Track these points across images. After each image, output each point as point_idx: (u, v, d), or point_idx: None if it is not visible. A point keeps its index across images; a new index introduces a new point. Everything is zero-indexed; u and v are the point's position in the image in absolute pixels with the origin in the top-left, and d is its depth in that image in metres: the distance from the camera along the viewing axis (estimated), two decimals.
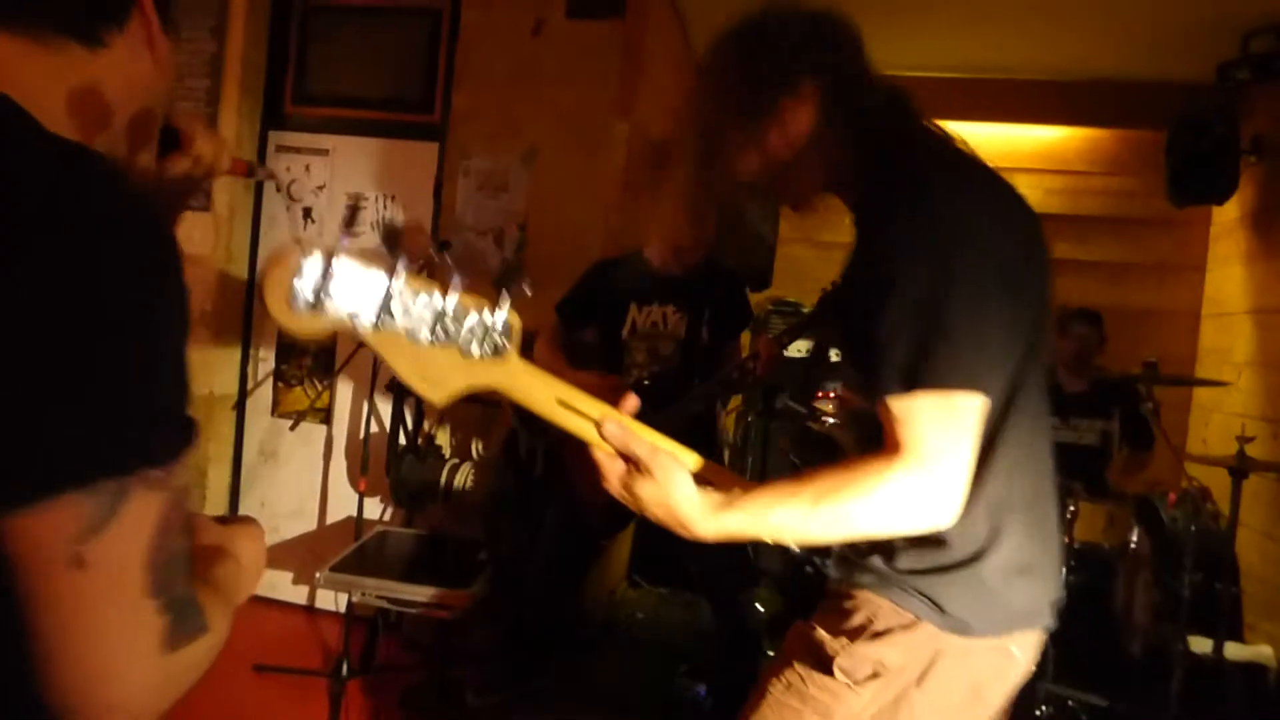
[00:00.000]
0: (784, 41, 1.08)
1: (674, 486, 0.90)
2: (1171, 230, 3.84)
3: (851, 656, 1.03)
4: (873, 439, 0.95)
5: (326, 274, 0.70)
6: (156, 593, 0.59)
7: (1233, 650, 2.75)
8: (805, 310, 3.88)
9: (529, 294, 0.81)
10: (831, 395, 3.71)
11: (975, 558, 1.01)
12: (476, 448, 3.09)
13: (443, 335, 0.77)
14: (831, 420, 3.29)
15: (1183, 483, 3.18)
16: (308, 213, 3.44)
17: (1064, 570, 2.80)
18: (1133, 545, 2.93)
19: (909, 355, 0.90)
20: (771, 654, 2.25)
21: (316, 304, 0.70)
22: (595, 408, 0.91)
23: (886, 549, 1.04)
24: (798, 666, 1.08)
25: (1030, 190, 3.94)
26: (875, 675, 1.03)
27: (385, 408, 3.17)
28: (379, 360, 0.87)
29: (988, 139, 4.14)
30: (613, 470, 0.94)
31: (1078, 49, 3.59)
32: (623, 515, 2.44)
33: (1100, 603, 3.01)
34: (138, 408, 0.59)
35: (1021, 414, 1.02)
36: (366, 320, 0.72)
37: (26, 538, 0.54)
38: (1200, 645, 2.70)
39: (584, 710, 2.78)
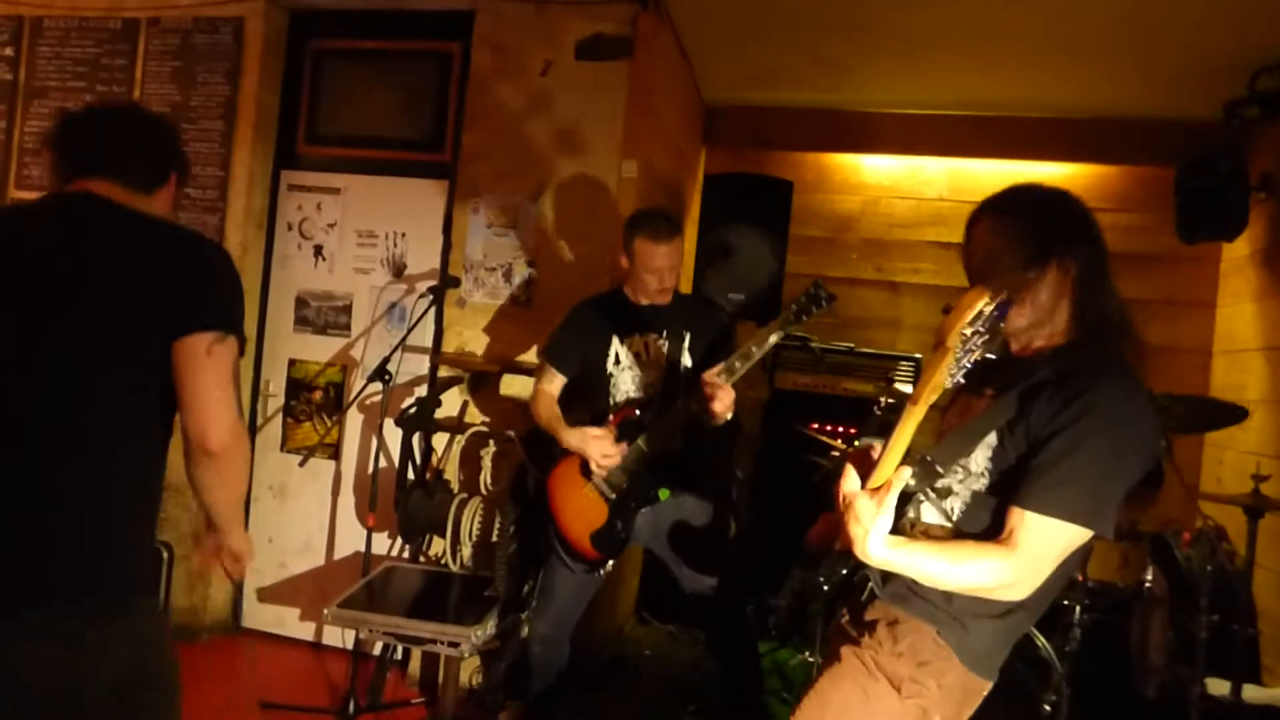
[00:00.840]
0: (1074, 218, 1.41)
1: (882, 515, 1.22)
2: (1181, 267, 3.83)
3: (915, 682, 1.36)
4: (979, 522, 1.34)
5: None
6: (234, 391, 1.39)
7: (1251, 693, 2.70)
8: (812, 344, 3.88)
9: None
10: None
11: (1004, 614, 1.35)
12: (484, 483, 3.09)
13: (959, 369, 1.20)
14: (836, 453, 3.28)
15: (1197, 522, 3.14)
16: (319, 250, 3.48)
17: (1078, 610, 2.76)
18: (1148, 585, 2.89)
19: (1078, 497, 1.22)
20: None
21: None
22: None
23: (945, 592, 1.34)
24: (863, 677, 1.41)
25: None
26: (918, 697, 1.36)
27: (394, 443, 3.19)
28: None
29: (997, 176, 4.18)
30: (851, 477, 1.28)
31: (1086, 87, 3.61)
32: (608, 549, 2.44)
33: (1115, 643, 2.96)
34: (230, 312, 1.42)
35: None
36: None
37: (186, 347, 1.35)
38: (1218, 687, 2.65)
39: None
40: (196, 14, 3.42)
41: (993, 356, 1.25)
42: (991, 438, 1.35)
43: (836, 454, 3.29)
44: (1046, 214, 1.40)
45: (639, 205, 3.15)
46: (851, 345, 3.97)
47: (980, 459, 1.36)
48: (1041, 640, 2.63)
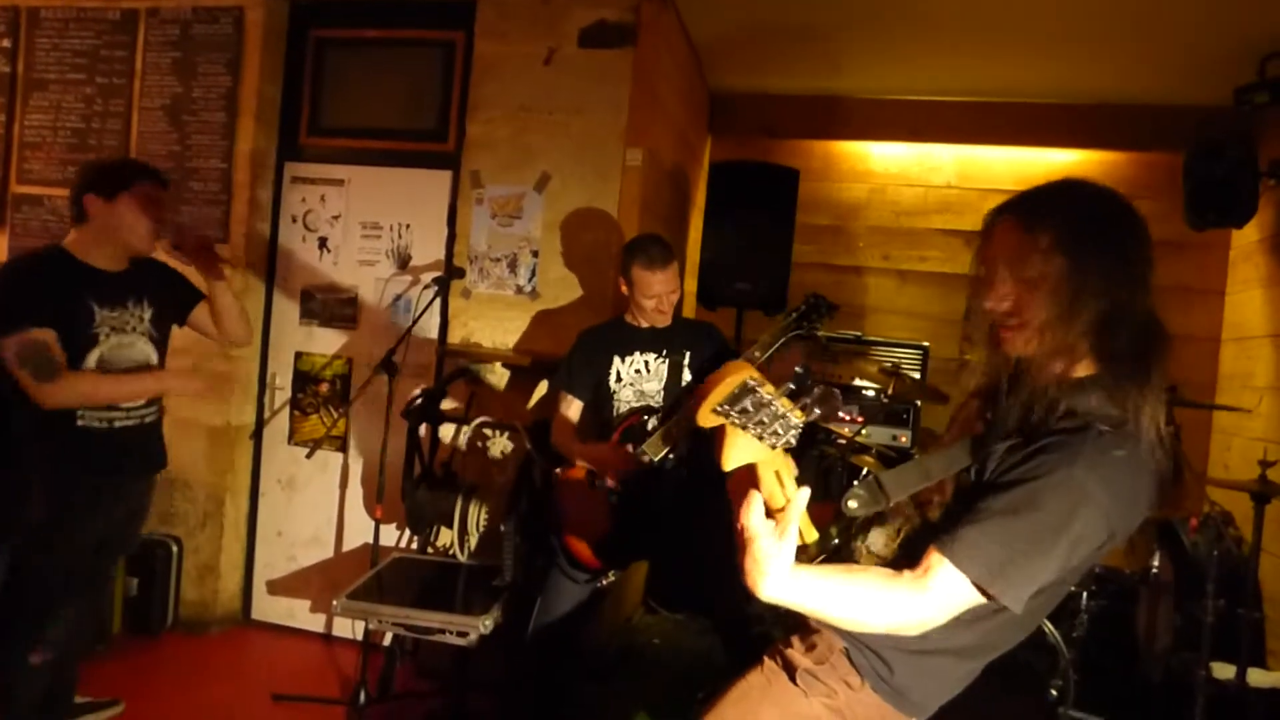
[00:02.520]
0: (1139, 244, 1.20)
1: (783, 549, 1.08)
2: (1190, 254, 3.81)
3: (810, 675, 1.34)
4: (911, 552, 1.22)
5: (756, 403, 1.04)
6: (19, 364, 2.09)
7: (1256, 677, 2.72)
8: (819, 334, 3.87)
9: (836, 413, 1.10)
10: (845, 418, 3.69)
11: (923, 652, 1.28)
12: (491, 474, 3.10)
13: (772, 437, 1.07)
14: (843, 442, 3.29)
15: (1204, 507, 3.15)
16: (323, 243, 3.47)
17: (1085, 596, 2.77)
18: (1154, 571, 2.91)
19: (996, 558, 1.12)
20: None
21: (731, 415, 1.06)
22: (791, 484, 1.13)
23: None
24: (766, 669, 1.41)
25: None
26: (827, 696, 1.33)
27: (400, 435, 3.19)
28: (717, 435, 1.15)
29: (1003, 163, 4.16)
30: (757, 512, 1.10)
31: (1094, 73, 3.58)
32: (614, 555, 2.47)
33: (1122, 628, 2.98)
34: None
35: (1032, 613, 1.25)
36: (750, 430, 1.06)
37: None
38: (1223, 671, 2.67)
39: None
40: (196, 3, 3.39)
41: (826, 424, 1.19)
42: (960, 466, 1.26)
43: (842, 441, 3.29)
44: (1115, 254, 1.16)
45: (644, 193, 3.14)
46: (858, 333, 3.97)
47: (944, 499, 1.29)
48: (1049, 626, 2.64)
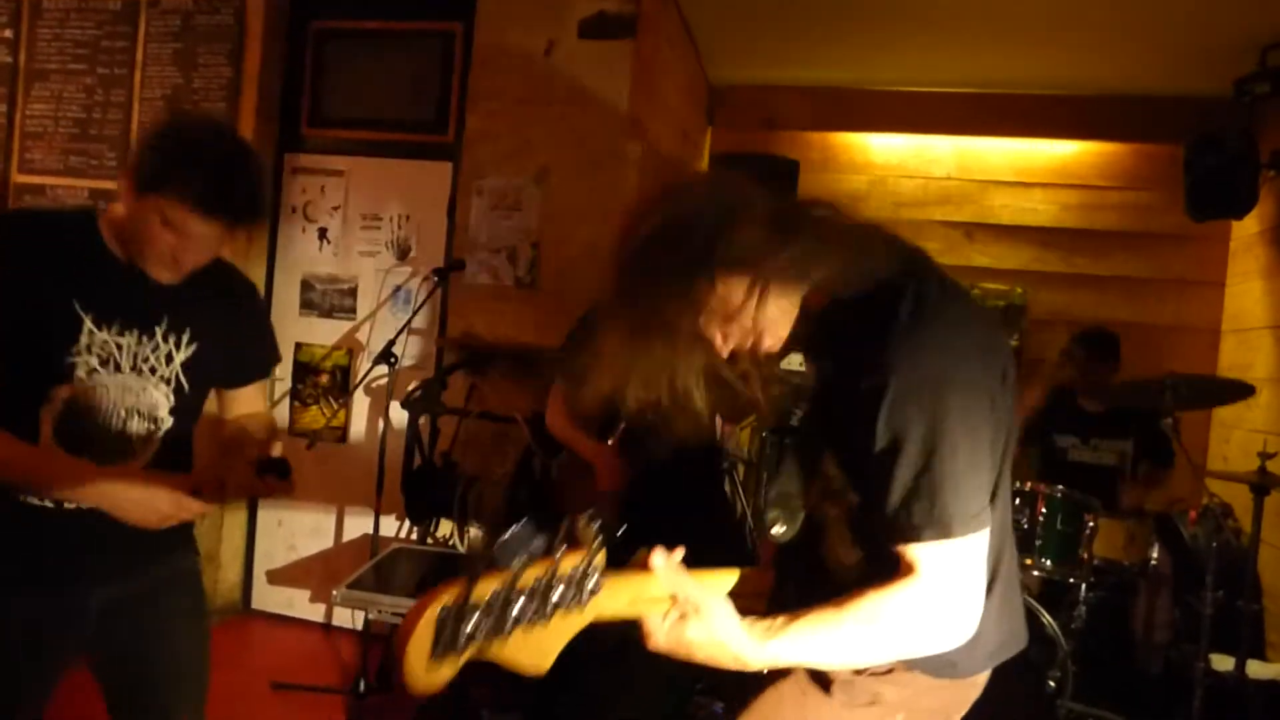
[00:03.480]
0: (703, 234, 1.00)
1: (719, 621, 0.98)
2: (1190, 245, 3.81)
3: (850, 685, 1.16)
4: (874, 544, 1.07)
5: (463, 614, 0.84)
6: None
7: (1255, 668, 2.72)
8: None
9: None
10: None
11: None
12: (491, 465, 3.10)
13: (539, 615, 0.90)
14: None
15: (1204, 499, 3.15)
16: (323, 233, 3.48)
17: (1083, 588, 2.78)
18: (1153, 563, 2.91)
19: (923, 514, 0.99)
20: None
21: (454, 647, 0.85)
22: (655, 588, 0.99)
23: None
24: (799, 681, 1.21)
25: (1046, 205, 3.95)
26: (872, 703, 1.16)
27: (400, 426, 3.20)
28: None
29: (1002, 154, 4.16)
30: (659, 627, 1.00)
31: (1094, 64, 3.57)
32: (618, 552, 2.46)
33: (1120, 620, 2.98)
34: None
35: (999, 498, 1.10)
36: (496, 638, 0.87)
37: None
38: (1222, 663, 2.67)
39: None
40: None
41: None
42: (826, 444, 1.15)
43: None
44: (670, 256, 1.00)
45: (644, 185, 3.14)
46: None
47: (833, 469, 1.15)
48: (1047, 618, 2.64)
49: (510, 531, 0.91)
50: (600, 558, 0.94)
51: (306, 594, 3.50)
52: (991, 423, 1.02)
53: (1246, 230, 3.66)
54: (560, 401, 2.61)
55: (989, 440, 1.03)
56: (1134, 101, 3.83)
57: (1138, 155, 3.90)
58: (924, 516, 0.99)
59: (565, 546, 0.91)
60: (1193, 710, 2.54)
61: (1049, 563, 2.69)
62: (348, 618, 3.38)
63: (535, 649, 0.91)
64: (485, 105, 3.20)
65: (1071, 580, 2.74)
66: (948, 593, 1.01)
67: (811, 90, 4.21)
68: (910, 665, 1.13)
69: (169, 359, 1.46)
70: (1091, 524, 2.71)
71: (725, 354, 1.07)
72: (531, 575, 0.88)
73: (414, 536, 3.21)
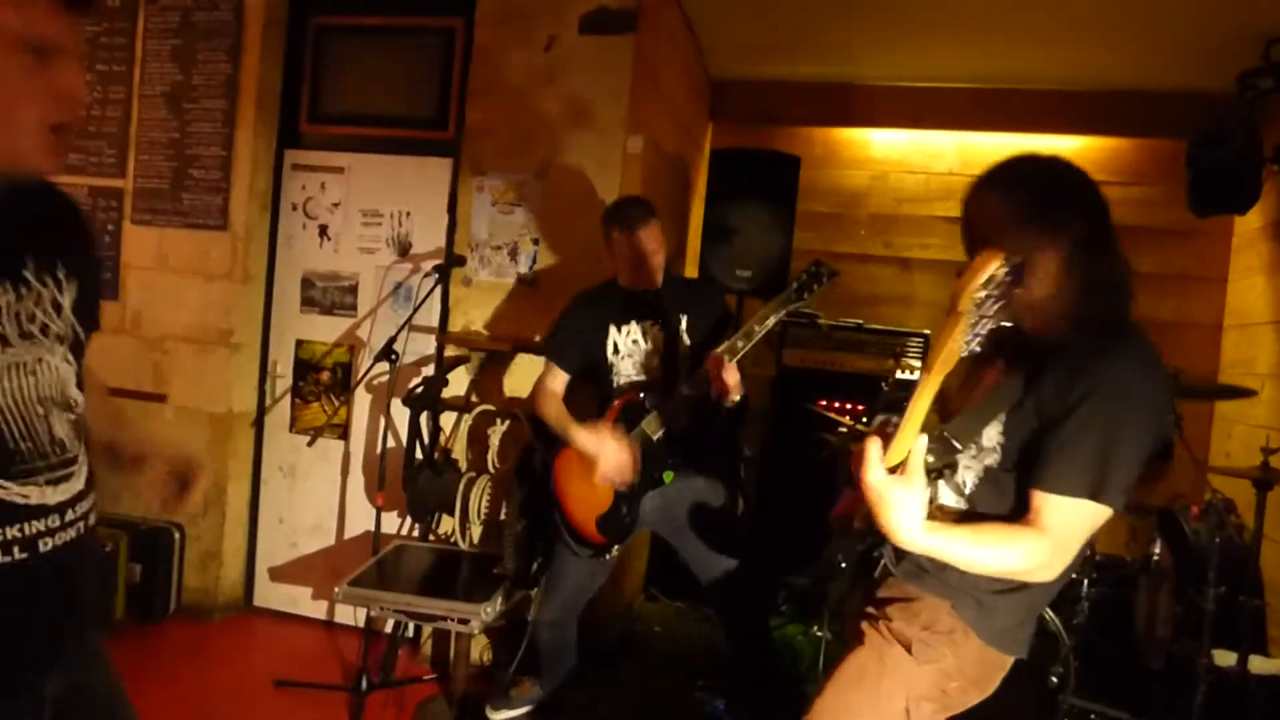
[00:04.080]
0: (1075, 188, 1.37)
1: (916, 496, 1.18)
2: (1193, 241, 3.80)
3: (925, 644, 1.39)
4: (993, 499, 1.36)
5: None
6: None
7: (1257, 664, 2.72)
8: (820, 321, 3.87)
9: None
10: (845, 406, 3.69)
11: (1017, 589, 1.35)
12: (492, 461, 3.10)
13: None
14: (844, 429, 3.28)
15: (1206, 495, 3.14)
16: (324, 230, 3.47)
17: (1085, 583, 2.77)
18: (1155, 558, 2.90)
19: (1087, 470, 1.23)
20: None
21: None
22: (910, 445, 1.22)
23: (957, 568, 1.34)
24: (874, 644, 1.44)
25: None
26: (937, 662, 1.39)
27: (401, 422, 3.19)
28: None
29: (1005, 149, 4.12)
30: (874, 462, 1.19)
31: (1096, 59, 3.56)
32: (614, 534, 2.46)
33: (1122, 616, 2.98)
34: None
35: None
36: None
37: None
38: (1224, 659, 2.66)
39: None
40: None
41: (1007, 324, 1.25)
42: (1002, 414, 1.35)
43: (844, 430, 3.29)
44: (1046, 186, 1.36)
45: (645, 181, 3.13)
46: (860, 321, 3.96)
47: (991, 435, 1.37)
48: (1049, 613, 2.64)
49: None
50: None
51: (309, 591, 3.50)
52: (1150, 433, 1.27)
53: (1249, 225, 3.65)
54: (549, 385, 2.58)
55: (1144, 445, 1.27)
56: (1137, 96, 3.82)
57: (1140, 150, 3.89)
58: (1089, 475, 1.23)
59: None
60: (1194, 706, 2.54)
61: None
62: (350, 615, 3.38)
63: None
64: (485, 101, 3.19)
65: (1074, 576, 2.74)
66: (1061, 549, 1.24)
67: (813, 85, 4.20)
68: (971, 627, 1.37)
69: (58, 307, 1.08)
70: None
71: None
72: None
73: (416, 533, 3.21)
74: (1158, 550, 2.90)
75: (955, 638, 1.38)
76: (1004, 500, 1.34)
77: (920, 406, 1.19)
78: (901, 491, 1.16)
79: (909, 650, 1.40)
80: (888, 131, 4.25)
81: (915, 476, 1.17)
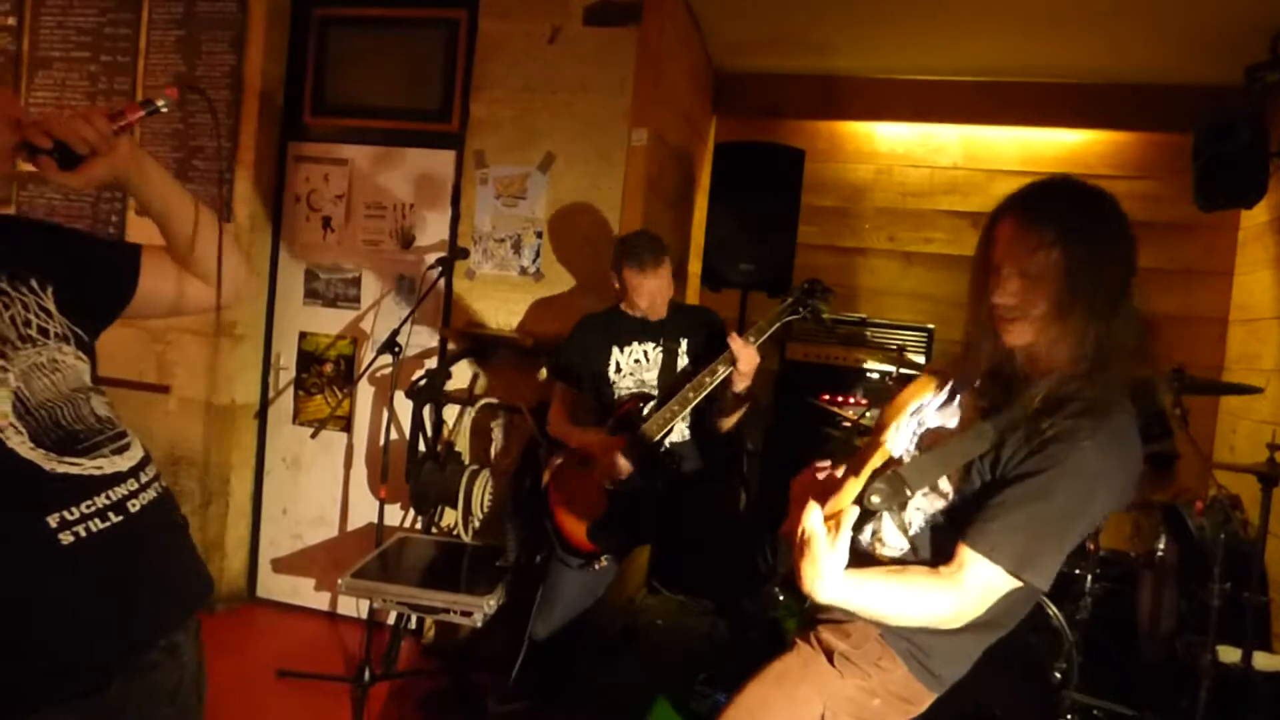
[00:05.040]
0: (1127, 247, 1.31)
1: (837, 554, 1.18)
2: (1198, 235, 3.77)
3: (849, 663, 1.39)
4: (931, 544, 1.34)
5: None
6: None
7: (1261, 660, 2.71)
8: (824, 317, 3.85)
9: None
10: (851, 401, 3.69)
11: (953, 632, 1.31)
12: (495, 454, 3.10)
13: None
14: (848, 424, 3.28)
15: (1211, 490, 3.13)
16: (327, 222, 3.47)
17: (1089, 578, 2.77)
18: (1159, 554, 2.89)
19: (1021, 544, 1.21)
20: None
21: None
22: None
23: None
24: (803, 652, 1.47)
25: None
26: (863, 680, 1.39)
27: (405, 415, 3.19)
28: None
29: (1009, 143, 4.13)
30: (815, 514, 1.19)
31: (1101, 51, 3.54)
32: (606, 542, 2.47)
33: (1126, 611, 2.97)
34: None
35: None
36: None
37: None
38: (1228, 655, 2.66)
39: (604, 717, 2.78)
40: None
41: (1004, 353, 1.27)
42: (964, 463, 1.32)
43: (847, 424, 3.29)
44: (1105, 246, 1.26)
45: (648, 173, 3.12)
46: (864, 316, 3.95)
47: (945, 482, 1.34)
48: (1052, 609, 2.63)
49: None
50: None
51: (311, 582, 3.51)
52: (1104, 513, 1.26)
53: (1255, 219, 3.63)
54: (561, 404, 2.64)
55: (1092, 523, 1.26)
56: (1142, 90, 3.80)
57: (1146, 144, 3.87)
58: (1019, 549, 1.20)
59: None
60: (1199, 702, 2.53)
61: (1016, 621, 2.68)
62: (353, 606, 3.38)
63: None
64: (489, 93, 3.18)
65: (1077, 571, 2.73)
66: (973, 603, 1.24)
67: (817, 78, 4.18)
68: (901, 658, 1.37)
69: (46, 311, 1.14)
70: None
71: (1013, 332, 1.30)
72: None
73: (419, 526, 3.21)
74: (1162, 545, 2.89)
75: (882, 664, 1.38)
76: (939, 549, 1.31)
77: (865, 472, 1.23)
78: (825, 545, 1.17)
79: (830, 660, 1.41)
80: (892, 125, 4.23)
81: (841, 541, 1.17)
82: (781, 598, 3.58)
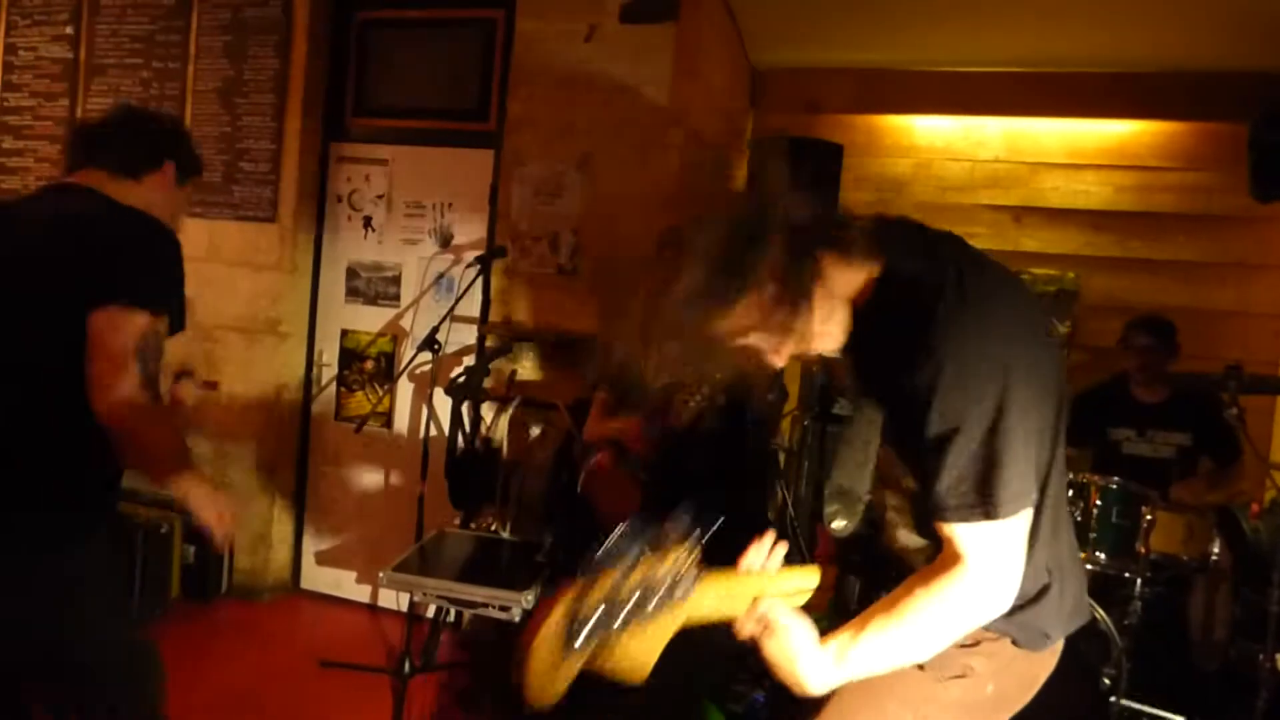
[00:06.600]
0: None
1: (794, 642, 1.07)
2: (1253, 227, 3.64)
3: (942, 660, 1.17)
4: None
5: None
6: (134, 364, 1.43)
7: None
8: None
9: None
10: None
11: (1040, 595, 1.19)
12: (532, 450, 3.12)
13: (642, 617, 0.97)
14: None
15: (1269, 492, 3.03)
16: (368, 222, 3.53)
17: (1139, 582, 2.69)
18: (1213, 558, 2.80)
19: (969, 493, 1.05)
20: None
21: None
22: (746, 586, 1.09)
23: None
24: None
25: (1099, 187, 3.80)
26: (963, 676, 1.20)
27: (444, 411, 3.23)
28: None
29: (1053, 135, 4.03)
30: (744, 628, 1.10)
31: (1149, 38, 3.43)
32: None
33: (1177, 616, 2.89)
34: (137, 285, 1.48)
35: (1053, 483, 1.16)
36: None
37: (92, 319, 1.42)
38: None
39: (642, 714, 2.79)
40: None
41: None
42: (875, 434, 1.19)
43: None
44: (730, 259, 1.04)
45: (685, 171, 3.12)
46: None
47: (895, 466, 1.20)
48: (1101, 613, 2.57)
49: (611, 539, 0.96)
50: (693, 558, 1.00)
51: (353, 575, 3.57)
52: (1040, 394, 1.07)
53: None
54: (599, 411, 2.64)
55: (1038, 415, 1.07)
56: (1194, 77, 3.67)
57: (1198, 134, 3.74)
58: (972, 498, 1.05)
59: (660, 550, 0.97)
60: (1255, 710, 2.45)
61: (1104, 556, 2.61)
62: (393, 599, 3.44)
63: (637, 654, 0.99)
64: (526, 92, 3.21)
65: (1127, 575, 2.66)
66: (991, 571, 1.07)
67: (855, 72, 4.13)
68: (1002, 635, 1.19)
69: None
70: (1149, 517, 2.63)
71: (780, 362, 1.13)
72: (633, 580, 0.94)
73: (457, 520, 3.25)
74: (1215, 549, 2.80)
75: (984, 648, 1.20)
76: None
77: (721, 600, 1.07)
78: (774, 646, 1.06)
79: (920, 666, 1.21)
80: (932, 118, 4.16)
81: (776, 622, 1.05)
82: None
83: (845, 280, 1.11)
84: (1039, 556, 1.16)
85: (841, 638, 1.09)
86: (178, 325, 1.53)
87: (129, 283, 1.45)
